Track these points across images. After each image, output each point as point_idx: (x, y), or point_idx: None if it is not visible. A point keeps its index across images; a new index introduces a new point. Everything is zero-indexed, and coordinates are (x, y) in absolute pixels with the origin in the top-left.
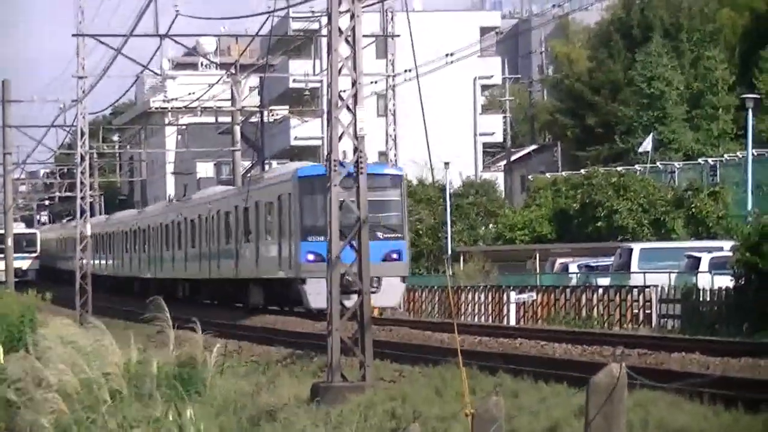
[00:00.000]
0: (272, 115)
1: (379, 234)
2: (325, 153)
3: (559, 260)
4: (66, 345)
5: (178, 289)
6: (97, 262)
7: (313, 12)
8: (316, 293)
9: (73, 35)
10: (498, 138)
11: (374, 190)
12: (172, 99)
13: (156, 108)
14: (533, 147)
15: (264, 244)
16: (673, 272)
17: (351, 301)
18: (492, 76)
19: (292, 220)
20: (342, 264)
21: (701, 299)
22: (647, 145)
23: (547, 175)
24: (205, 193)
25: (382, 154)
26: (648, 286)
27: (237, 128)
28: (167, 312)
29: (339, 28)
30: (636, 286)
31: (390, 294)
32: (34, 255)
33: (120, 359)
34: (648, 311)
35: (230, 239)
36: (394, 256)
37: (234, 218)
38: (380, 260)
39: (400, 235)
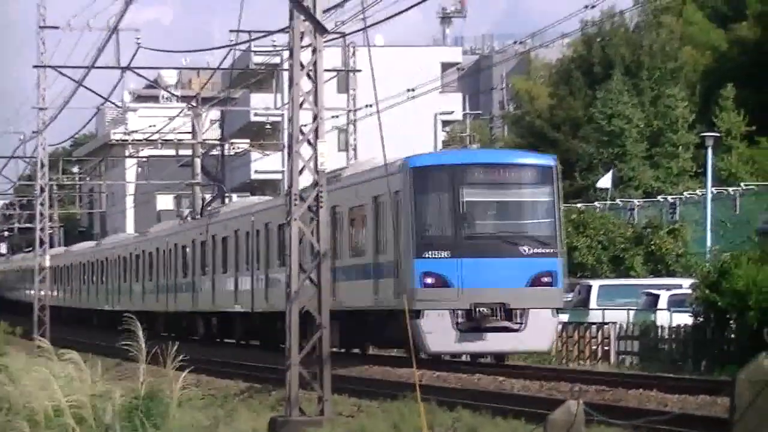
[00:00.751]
0: (233, 148)
1: (524, 248)
2: (286, 187)
3: None
4: (33, 373)
5: (198, 325)
6: (84, 295)
7: (274, 46)
8: (437, 331)
9: (34, 66)
10: None
11: (511, 187)
12: (133, 131)
13: (116, 140)
14: None
15: (348, 264)
16: (632, 309)
17: (485, 344)
18: (453, 112)
19: (401, 228)
20: (467, 291)
21: (660, 336)
22: (606, 181)
23: None
24: (243, 204)
25: None
26: (606, 323)
27: (198, 161)
28: (143, 343)
29: (301, 63)
30: (594, 323)
31: (540, 332)
32: None
33: (89, 389)
34: (606, 348)
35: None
36: (545, 279)
37: None
38: (526, 285)
39: (552, 250)
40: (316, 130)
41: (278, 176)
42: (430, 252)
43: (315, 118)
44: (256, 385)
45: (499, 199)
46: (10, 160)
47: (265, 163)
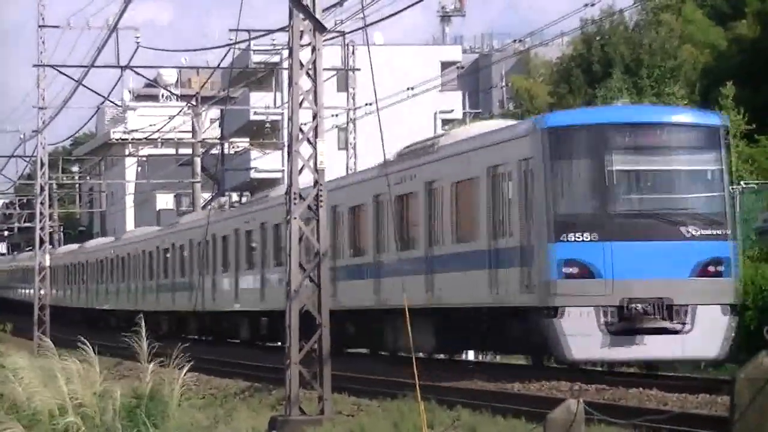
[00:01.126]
0: (233, 147)
1: (688, 230)
2: (285, 186)
3: None
4: (36, 370)
5: (241, 326)
6: (101, 295)
7: (274, 45)
8: (580, 334)
9: (34, 66)
10: None
11: (671, 152)
12: (133, 130)
13: (116, 139)
14: None
15: (451, 252)
16: None
17: (641, 349)
18: (452, 111)
19: (532, 205)
20: (618, 283)
21: None
22: None
23: None
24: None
25: None
26: None
27: (197, 160)
28: (145, 343)
29: (300, 62)
30: None
31: (709, 335)
32: None
33: (96, 388)
34: None
35: (364, 250)
36: (714, 268)
37: (372, 218)
38: (690, 275)
39: (722, 231)
40: (316, 129)
41: (278, 175)
42: (571, 234)
43: (314, 117)
44: (256, 384)
45: (656, 168)
46: (10, 160)
47: (265, 162)
